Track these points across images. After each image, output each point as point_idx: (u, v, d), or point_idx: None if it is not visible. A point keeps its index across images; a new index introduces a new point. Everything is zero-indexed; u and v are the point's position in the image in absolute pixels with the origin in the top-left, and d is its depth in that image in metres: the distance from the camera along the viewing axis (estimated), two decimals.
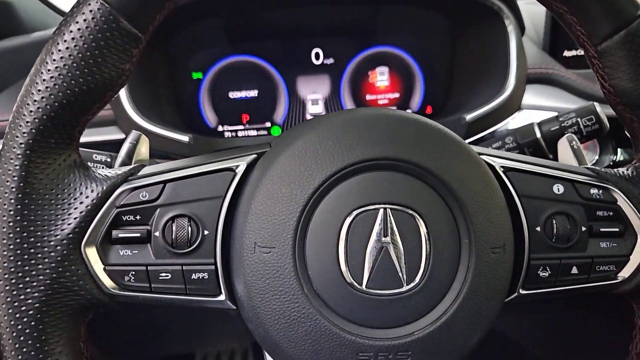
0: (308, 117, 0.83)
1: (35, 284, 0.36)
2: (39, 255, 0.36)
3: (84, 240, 0.37)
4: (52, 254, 0.36)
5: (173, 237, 0.39)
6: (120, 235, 0.39)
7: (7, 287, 0.36)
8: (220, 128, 0.81)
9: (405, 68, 0.83)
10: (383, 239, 0.38)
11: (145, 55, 0.69)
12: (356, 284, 0.37)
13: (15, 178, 0.36)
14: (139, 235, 0.39)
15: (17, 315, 0.36)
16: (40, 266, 0.36)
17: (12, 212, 0.36)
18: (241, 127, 0.82)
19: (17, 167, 0.36)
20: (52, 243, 0.36)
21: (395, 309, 0.38)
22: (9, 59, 0.72)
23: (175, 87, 0.78)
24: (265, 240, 0.38)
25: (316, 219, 0.38)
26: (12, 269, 0.36)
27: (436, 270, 0.38)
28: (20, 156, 0.35)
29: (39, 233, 0.36)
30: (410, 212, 0.38)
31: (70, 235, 0.37)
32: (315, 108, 0.83)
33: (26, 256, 0.36)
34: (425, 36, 0.82)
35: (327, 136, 0.39)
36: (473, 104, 0.72)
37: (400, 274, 0.38)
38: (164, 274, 0.39)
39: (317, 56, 0.81)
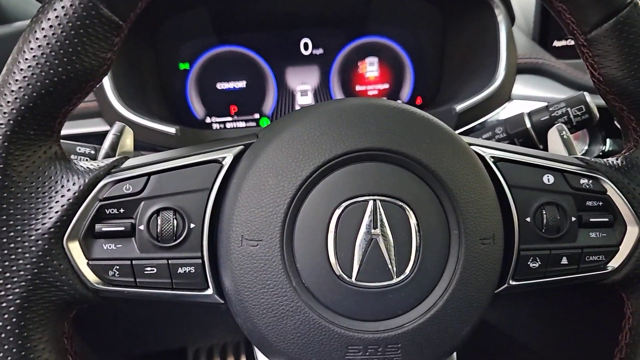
0: (297, 108, 0.82)
1: (15, 279, 0.35)
2: (19, 250, 0.35)
3: (66, 234, 0.36)
4: (33, 248, 0.36)
5: (158, 230, 0.38)
6: (104, 229, 0.38)
7: None
8: (208, 120, 0.80)
9: (395, 58, 0.82)
10: (372, 230, 0.37)
11: (130, 45, 0.68)
12: (345, 277, 0.37)
13: None
14: (122, 229, 0.38)
15: None
16: (20, 261, 0.35)
17: None
18: (229, 118, 0.81)
19: None
20: (32, 237, 0.35)
21: (384, 301, 0.37)
22: None
23: (162, 78, 0.77)
24: (253, 233, 0.37)
25: (304, 211, 0.37)
26: None
27: (426, 262, 0.38)
28: None
29: (19, 227, 0.35)
30: (400, 203, 0.38)
31: (52, 230, 0.36)
32: (304, 99, 0.82)
33: (6, 251, 0.35)
34: (416, 26, 0.81)
35: (315, 127, 0.38)
36: (463, 95, 0.72)
37: (389, 266, 0.37)
38: (149, 268, 0.38)
39: (306, 46, 0.80)
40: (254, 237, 0.37)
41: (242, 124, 0.81)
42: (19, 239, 0.35)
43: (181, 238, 0.38)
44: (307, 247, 0.37)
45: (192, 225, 0.39)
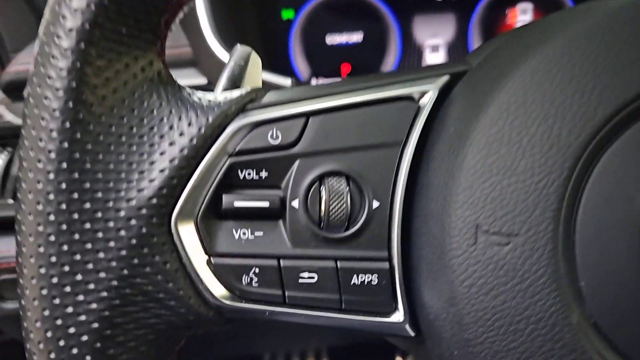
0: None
1: (92, 287, 0.21)
2: (100, 235, 0.21)
3: (175, 210, 0.23)
4: (122, 232, 0.21)
5: (322, 210, 0.24)
6: (237, 204, 0.24)
7: (46, 292, 0.20)
8: (313, 81, 0.67)
9: (554, 4, 0.66)
10: None
11: None
12: None
13: (61, 93, 0.20)
14: (266, 204, 0.24)
15: (62, 344, 0.20)
16: (101, 255, 0.21)
17: (53, 157, 0.20)
18: (340, 80, 0.66)
19: (64, 74, 0.20)
20: (122, 214, 0.21)
21: None
22: None
23: (263, 28, 0.66)
24: (500, 222, 0.21)
25: (596, 187, 0.21)
26: (54, 260, 0.20)
27: None
28: (68, 53, 0.20)
29: (100, 195, 0.21)
30: None
31: (153, 201, 0.22)
32: (434, 56, 0.69)
33: (77, 236, 0.21)
34: None
35: (608, 35, 0.22)
36: None
37: None
38: (306, 275, 0.24)
39: None
40: (502, 228, 0.21)
41: None
42: (100, 215, 0.21)
43: (358, 225, 0.24)
44: (602, 253, 0.21)
45: (375, 204, 0.24)
